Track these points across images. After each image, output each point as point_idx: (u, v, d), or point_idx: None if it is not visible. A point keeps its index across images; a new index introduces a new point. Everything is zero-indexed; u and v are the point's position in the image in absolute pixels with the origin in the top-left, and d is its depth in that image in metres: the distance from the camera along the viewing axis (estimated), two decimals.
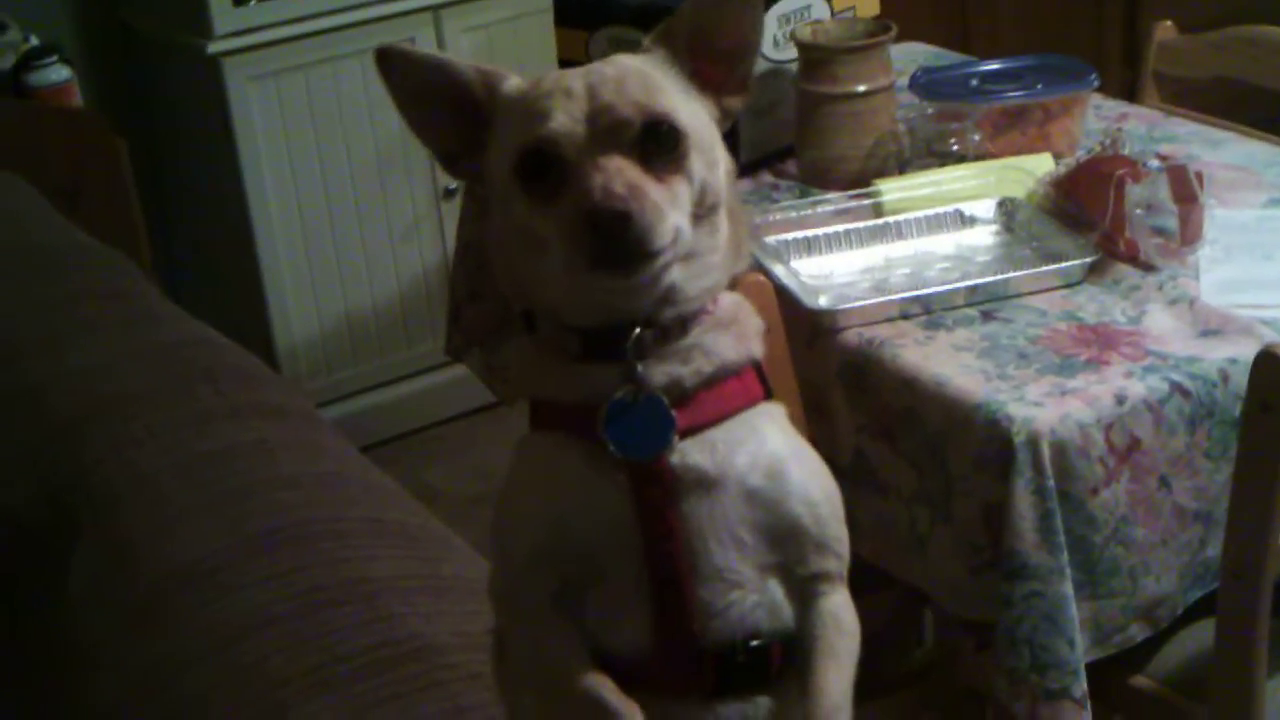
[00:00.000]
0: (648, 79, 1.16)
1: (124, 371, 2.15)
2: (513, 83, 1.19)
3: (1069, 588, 1.98)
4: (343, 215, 4.09)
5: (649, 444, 1.15)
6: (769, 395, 1.21)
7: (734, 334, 1.20)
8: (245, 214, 3.95)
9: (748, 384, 1.20)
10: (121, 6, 4.16)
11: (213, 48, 3.81)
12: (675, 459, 1.15)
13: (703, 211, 1.16)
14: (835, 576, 1.20)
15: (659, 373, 1.16)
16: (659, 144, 1.13)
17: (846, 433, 2.23)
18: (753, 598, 1.17)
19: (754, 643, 1.17)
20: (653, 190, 1.11)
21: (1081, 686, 1.99)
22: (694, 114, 1.18)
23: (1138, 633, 2.08)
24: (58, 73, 3.66)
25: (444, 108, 1.20)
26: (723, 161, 1.20)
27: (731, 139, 1.24)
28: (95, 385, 2.13)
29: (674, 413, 1.15)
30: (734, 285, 1.22)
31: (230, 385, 2.08)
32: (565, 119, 1.12)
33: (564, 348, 1.18)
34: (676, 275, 1.15)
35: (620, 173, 1.10)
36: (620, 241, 1.09)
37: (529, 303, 1.19)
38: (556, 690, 1.16)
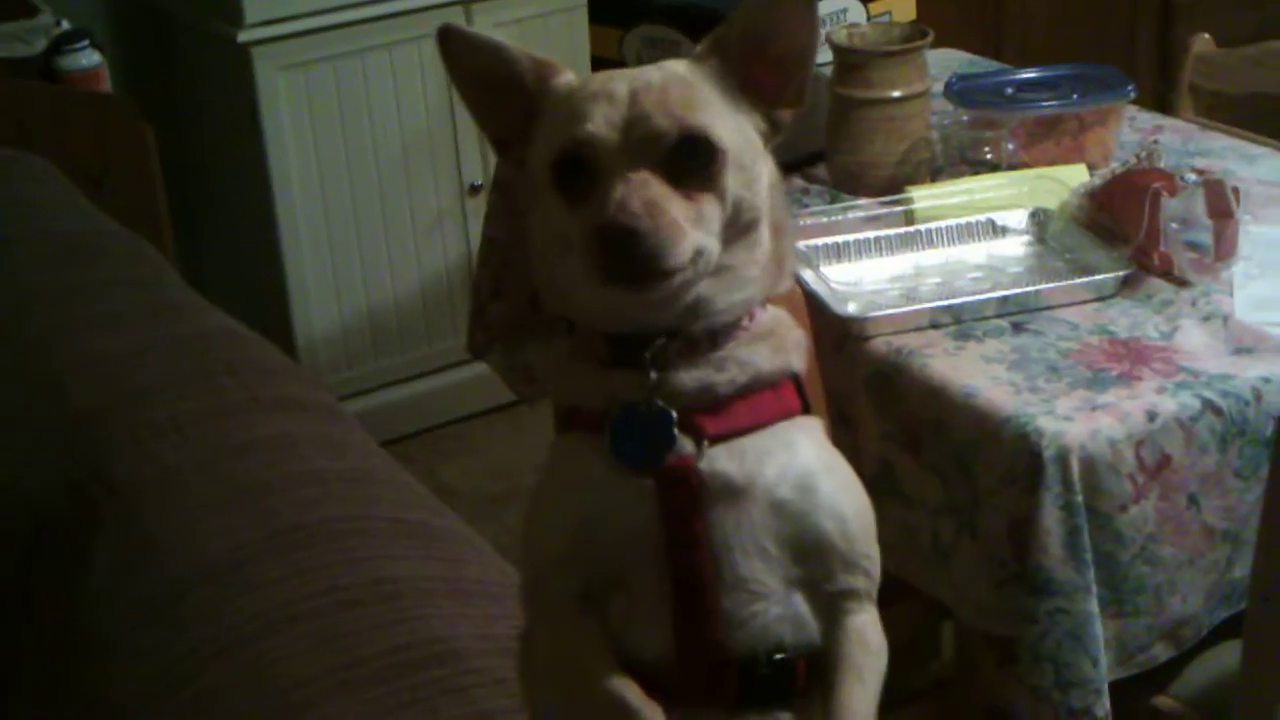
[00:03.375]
0: (692, 90, 1.15)
1: (148, 361, 2.13)
2: (565, 78, 1.19)
3: (1094, 605, 1.97)
4: (367, 209, 4.07)
5: (649, 455, 1.14)
6: (807, 409, 1.20)
7: (770, 346, 1.18)
8: (269, 205, 3.94)
9: (784, 396, 1.18)
10: None
11: (243, 36, 3.80)
12: (703, 465, 1.14)
13: (737, 229, 1.14)
14: (863, 594, 1.18)
15: (690, 379, 1.15)
16: (692, 160, 1.12)
17: (871, 441, 2.21)
18: (777, 610, 1.15)
19: (778, 656, 1.15)
20: (675, 207, 1.09)
21: (1104, 706, 1.98)
22: (736, 129, 1.16)
23: (1162, 652, 2.07)
24: (88, 58, 3.65)
25: (499, 93, 1.19)
26: (765, 177, 1.18)
27: None
28: (119, 374, 2.11)
29: (677, 429, 1.14)
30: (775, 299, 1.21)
31: (254, 378, 2.07)
32: (602, 124, 1.11)
33: (594, 352, 1.17)
34: (705, 289, 1.13)
35: (643, 187, 1.09)
36: (629, 258, 1.08)
37: (562, 305, 1.18)
38: (579, 691, 1.15)
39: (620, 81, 1.14)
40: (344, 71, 3.96)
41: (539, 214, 1.17)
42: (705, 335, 1.15)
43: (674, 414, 1.14)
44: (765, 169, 1.18)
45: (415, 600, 1.59)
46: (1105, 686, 1.98)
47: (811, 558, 1.15)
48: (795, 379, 1.19)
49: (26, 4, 3.76)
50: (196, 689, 1.53)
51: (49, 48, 3.65)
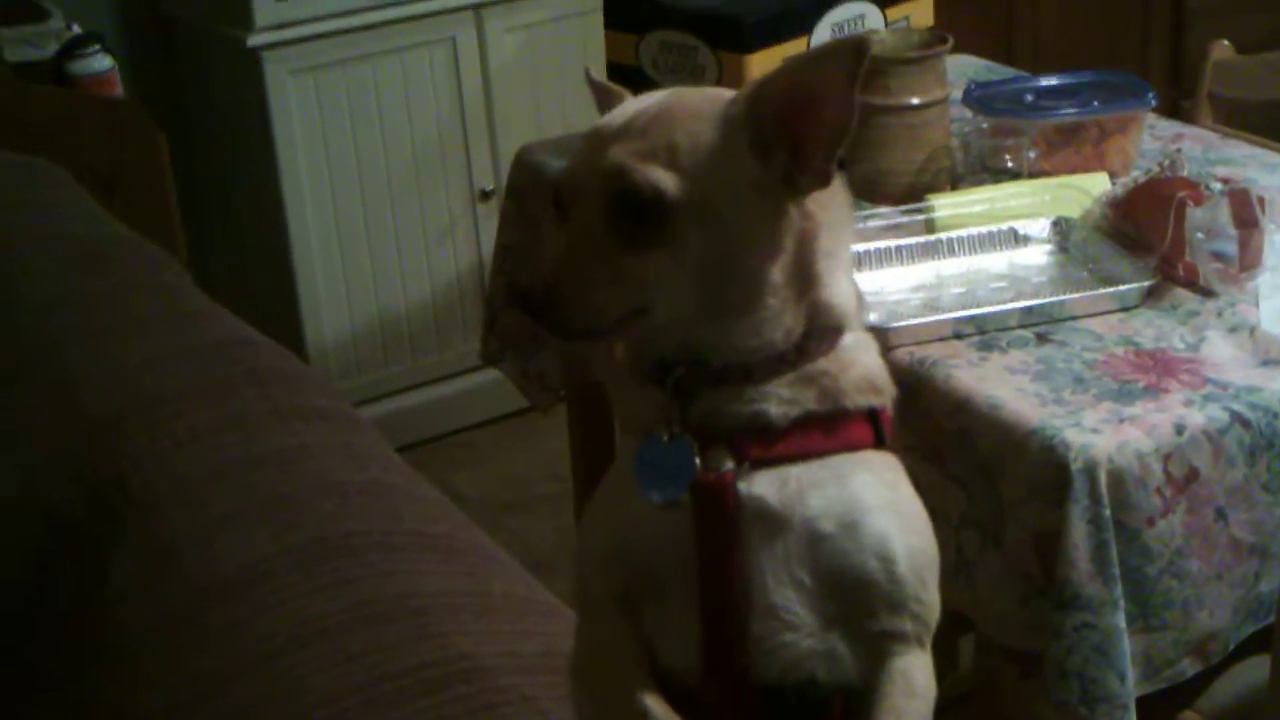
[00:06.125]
0: (678, 131, 1.12)
1: (165, 370, 2.11)
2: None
3: (1122, 620, 1.95)
4: (378, 214, 4.06)
5: (667, 486, 1.13)
6: (881, 444, 1.17)
7: (818, 389, 1.15)
8: (280, 210, 3.93)
9: (851, 429, 1.15)
10: None
11: (253, 40, 3.79)
12: (742, 487, 1.12)
13: (720, 280, 1.12)
14: (910, 637, 1.14)
15: (738, 406, 1.14)
16: (635, 213, 1.10)
17: (894, 453, 2.19)
18: (809, 643, 1.13)
19: (806, 689, 1.13)
20: (597, 267, 1.10)
21: None
22: (725, 183, 1.12)
23: (1189, 667, 2.04)
24: (99, 62, 3.64)
25: None
26: (769, 229, 1.14)
27: None
28: (135, 383, 2.09)
29: (698, 460, 1.13)
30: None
31: (273, 388, 2.05)
32: (572, 165, 1.14)
33: (638, 370, 1.18)
34: (702, 332, 1.13)
35: (570, 241, 1.11)
36: (532, 314, 1.10)
37: None
38: (608, 695, 1.14)
39: (617, 113, 1.16)
40: (355, 76, 3.95)
41: None
42: (734, 369, 1.14)
43: (693, 444, 1.13)
44: (773, 222, 1.14)
45: (441, 616, 1.57)
46: (1132, 702, 1.96)
47: (852, 595, 1.13)
48: (873, 414, 1.17)
49: (37, 8, 3.75)
50: (222, 705, 1.51)
51: (60, 52, 3.64)
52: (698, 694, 1.14)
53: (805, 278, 1.15)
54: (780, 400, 1.14)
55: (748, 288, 1.14)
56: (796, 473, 1.13)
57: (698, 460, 1.12)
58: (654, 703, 1.12)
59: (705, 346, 1.14)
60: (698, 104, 1.15)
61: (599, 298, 1.09)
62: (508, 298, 1.09)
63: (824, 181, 1.14)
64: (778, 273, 1.14)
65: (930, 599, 1.16)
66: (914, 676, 1.14)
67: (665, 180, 1.10)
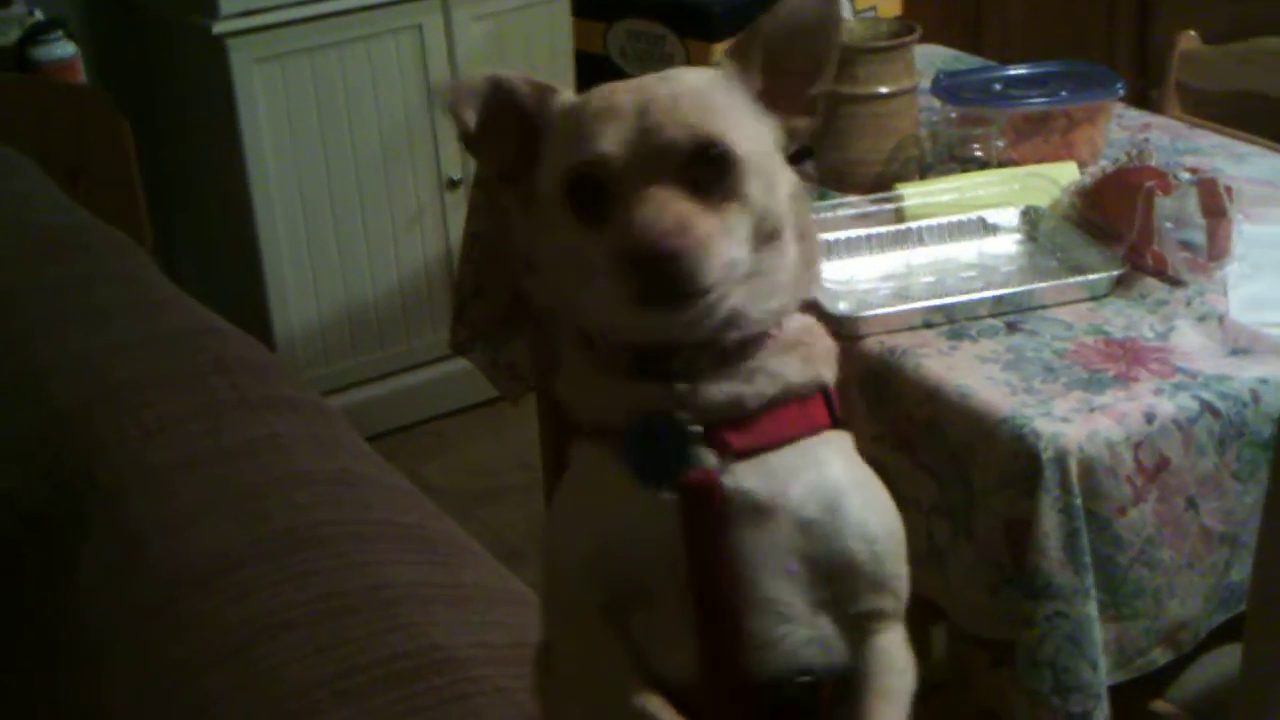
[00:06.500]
0: (704, 98, 1.12)
1: (133, 359, 2.10)
2: (564, 97, 1.16)
3: (1094, 609, 1.95)
4: (345, 203, 4.04)
5: (665, 470, 1.11)
6: (836, 423, 1.17)
7: (800, 356, 1.15)
8: (246, 199, 3.91)
9: (813, 409, 1.15)
10: None
11: (218, 28, 3.76)
12: (728, 481, 1.11)
13: (763, 236, 1.11)
14: (890, 614, 1.15)
15: (719, 391, 1.11)
16: (710, 169, 1.09)
17: (865, 442, 2.18)
18: (804, 632, 1.12)
19: (803, 678, 1.12)
20: (702, 222, 1.06)
21: (1103, 710, 1.96)
22: (754, 137, 1.13)
23: (1160, 656, 2.05)
24: (63, 48, 3.63)
25: (498, 124, 1.16)
26: (785, 185, 1.15)
27: None
28: (103, 372, 2.08)
29: (700, 447, 1.11)
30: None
31: (242, 376, 2.04)
32: (613, 140, 1.09)
33: (616, 365, 1.14)
34: (738, 300, 1.10)
35: (668, 204, 1.06)
36: (663, 281, 1.05)
37: (580, 319, 1.15)
38: (608, 706, 1.12)
39: (625, 95, 1.12)
40: (321, 64, 3.93)
41: (551, 236, 1.14)
42: (736, 345, 1.12)
43: (697, 429, 1.11)
44: (785, 176, 1.16)
45: (412, 607, 1.56)
46: (1104, 691, 1.96)
47: (838, 579, 1.13)
48: (825, 391, 1.16)
49: None
50: (191, 696, 1.50)
51: (22, 38, 3.63)
52: (694, 698, 1.12)
53: (801, 233, 1.16)
54: (765, 373, 1.13)
55: (780, 240, 1.13)
56: (775, 460, 1.12)
57: (700, 447, 1.11)
58: (659, 706, 1.10)
59: (738, 315, 1.11)
60: (693, 77, 1.16)
61: (715, 251, 1.06)
62: (628, 260, 1.00)
63: (816, 112, 1.17)
64: (790, 224, 1.14)
65: (904, 573, 1.17)
66: (896, 653, 1.15)
67: (729, 133, 1.10)
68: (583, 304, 1.13)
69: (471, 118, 1.15)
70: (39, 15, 3.71)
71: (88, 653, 1.65)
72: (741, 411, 1.12)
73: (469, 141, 1.16)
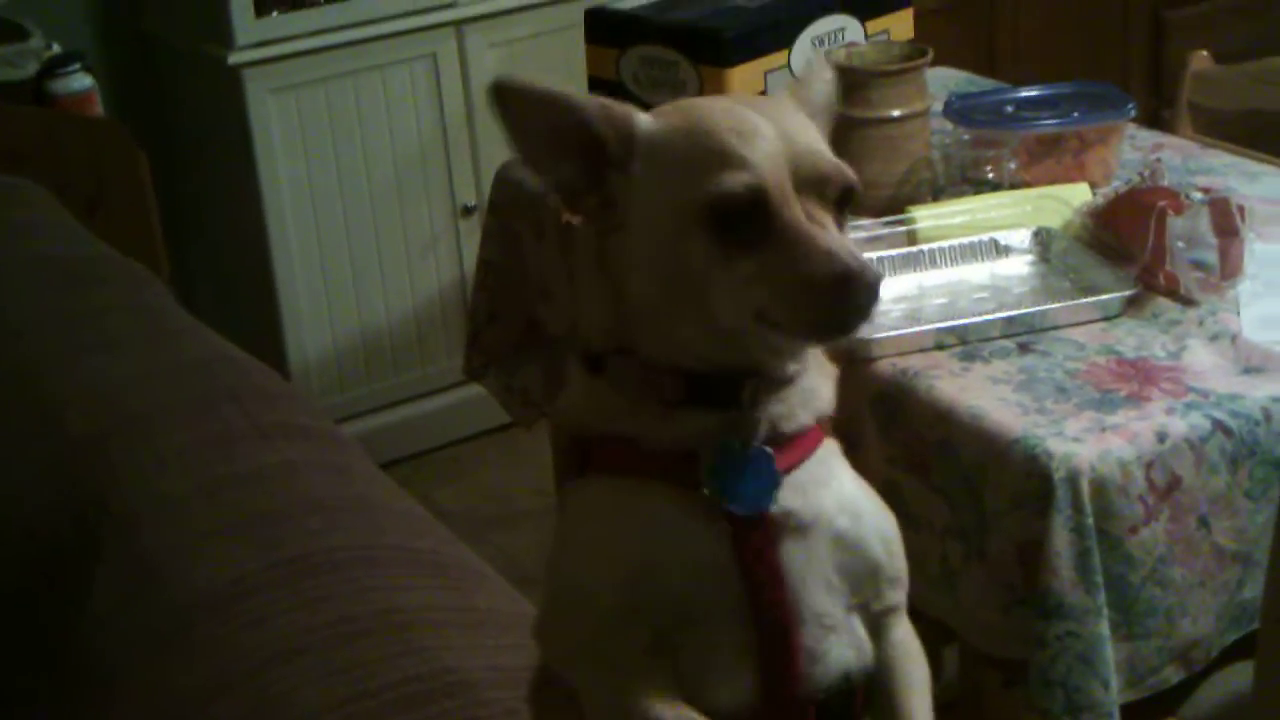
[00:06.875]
0: (811, 128, 1.13)
1: (147, 389, 2.11)
2: (649, 121, 1.14)
3: (1105, 628, 1.95)
4: (360, 231, 4.06)
5: (757, 497, 1.12)
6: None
7: (827, 375, 1.18)
8: (262, 228, 3.92)
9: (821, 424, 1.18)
10: (143, 16, 4.14)
11: (233, 58, 3.78)
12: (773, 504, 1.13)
13: None
14: (901, 606, 1.19)
15: (779, 415, 1.14)
16: (848, 203, 1.10)
17: (877, 464, 2.19)
18: (844, 639, 1.15)
19: (845, 684, 1.15)
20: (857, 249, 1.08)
21: None
22: None
23: (1173, 675, 2.05)
24: (79, 81, 3.64)
25: (564, 143, 1.13)
26: None
27: None
28: (118, 402, 2.09)
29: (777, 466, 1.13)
30: None
31: (256, 405, 2.04)
32: (770, 167, 1.07)
33: (658, 391, 1.13)
34: None
35: (838, 232, 1.07)
36: (860, 307, 1.05)
37: (627, 343, 1.14)
38: None
39: (750, 112, 1.10)
40: (336, 94, 3.94)
41: (661, 262, 1.11)
42: (793, 371, 1.14)
43: (769, 449, 1.12)
44: None
45: (425, 631, 1.56)
46: (1116, 710, 1.96)
47: (866, 582, 1.16)
48: None
49: (17, 27, 3.74)
50: None
51: (40, 71, 3.64)
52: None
53: None
54: (801, 396, 1.14)
55: None
56: (804, 477, 1.14)
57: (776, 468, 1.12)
58: None
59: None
60: (789, 103, 1.16)
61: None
62: (834, 288, 0.99)
63: None
64: None
65: (905, 565, 1.20)
66: (911, 644, 1.19)
67: (852, 171, 1.11)
68: (662, 326, 1.12)
69: (519, 122, 1.13)
70: (56, 48, 3.72)
71: (100, 679, 1.65)
72: (779, 436, 1.13)
73: (517, 144, 1.14)
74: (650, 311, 1.12)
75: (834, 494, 1.15)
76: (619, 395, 1.15)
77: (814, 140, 1.11)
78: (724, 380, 1.12)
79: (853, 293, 1.04)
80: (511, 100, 1.12)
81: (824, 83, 1.21)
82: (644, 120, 1.13)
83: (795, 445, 1.14)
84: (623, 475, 1.14)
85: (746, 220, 1.07)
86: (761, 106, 1.12)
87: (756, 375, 1.12)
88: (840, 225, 1.09)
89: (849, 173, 1.10)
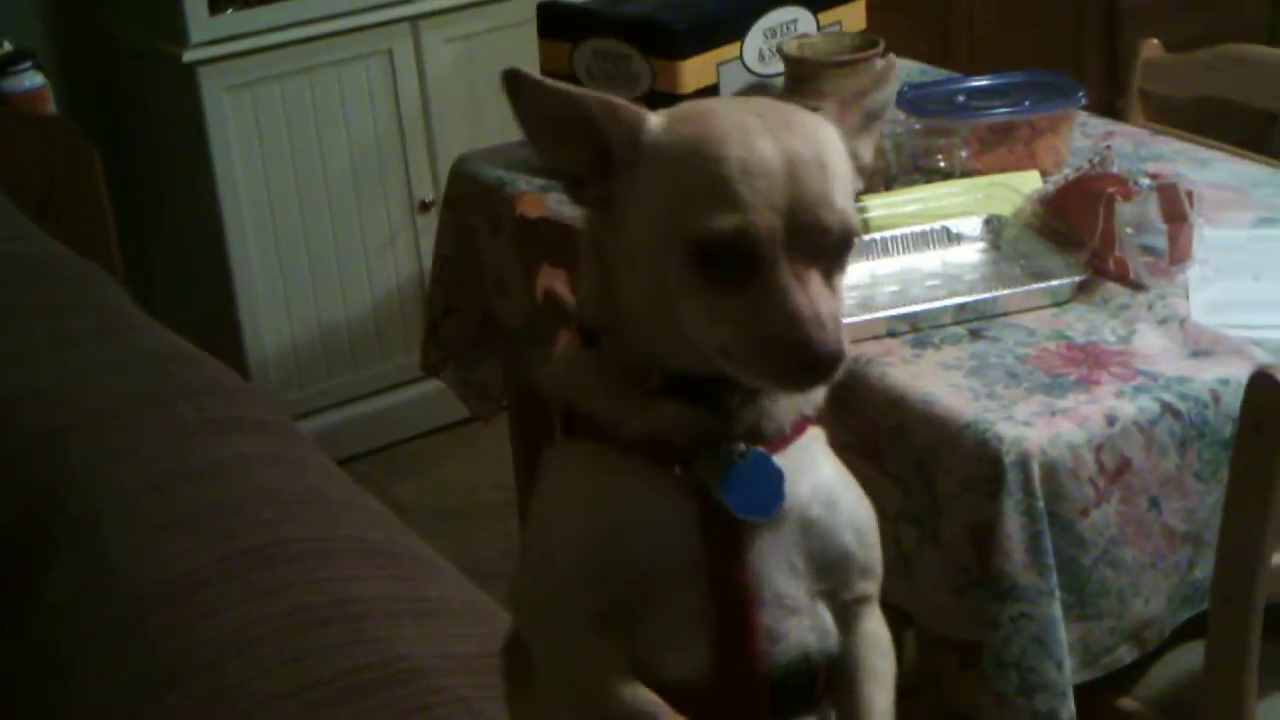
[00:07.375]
0: (839, 164, 1.10)
1: (101, 385, 2.11)
2: (659, 126, 1.12)
3: (1058, 610, 1.97)
4: (317, 227, 4.05)
5: (765, 503, 1.13)
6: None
7: None
8: (218, 225, 3.91)
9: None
10: (96, 13, 4.11)
11: (188, 56, 3.77)
12: None
13: None
14: (873, 597, 1.20)
15: (767, 412, 1.15)
16: (843, 255, 1.09)
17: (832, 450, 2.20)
18: (806, 622, 1.16)
19: (804, 667, 1.16)
20: (838, 307, 1.07)
21: (1070, 709, 1.97)
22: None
23: (1126, 654, 2.06)
24: (31, 79, 3.63)
25: (569, 135, 1.12)
26: None
27: None
28: (71, 399, 2.09)
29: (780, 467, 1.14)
30: None
31: (209, 400, 2.05)
32: (766, 213, 1.05)
33: (639, 379, 1.14)
34: None
35: (820, 292, 1.05)
36: (816, 376, 1.06)
37: (616, 327, 1.15)
38: (597, 703, 1.13)
39: (764, 141, 1.07)
40: (291, 90, 3.93)
41: (646, 271, 1.11)
42: None
43: (769, 453, 1.14)
44: None
45: (378, 620, 1.57)
46: (1070, 690, 1.98)
47: (833, 569, 1.17)
48: None
49: None
50: (158, 711, 1.51)
51: None
52: (700, 697, 1.14)
53: None
54: (794, 399, 1.16)
55: None
56: (784, 463, 1.14)
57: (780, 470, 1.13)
58: (653, 699, 1.12)
59: None
60: (822, 133, 1.12)
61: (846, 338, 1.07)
62: (790, 350, 0.97)
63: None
64: None
65: (880, 557, 1.21)
66: (880, 636, 1.20)
67: (856, 219, 1.10)
68: (651, 331, 1.13)
69: (530, 111, 1.12)
70: (8, 46, 3.71)
71: (55, 670, 1.66)
72: (774, 429, 1.15)
73: (527, 131, 1.13)
74: (633, 309, 1.13)
75: (810, 481, 1.16)
76: (602, 377, 1.16)
77: (824, 186, 1.07)
78: (705, 380, 1.12)
79: (805, 363, 1.04)
80: (522, 89, 1.12)
81: (890, 90, 1.21)
82: (654, 125, 1.12)
83: (783, 438, 1.15)
84: (598, 444, 1.15)
85: (730, 260, 1.06)
86: (785, 127, 1.09)
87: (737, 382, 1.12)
88: (833, 274, 1.08)
89: (852, 223, 1.08)
